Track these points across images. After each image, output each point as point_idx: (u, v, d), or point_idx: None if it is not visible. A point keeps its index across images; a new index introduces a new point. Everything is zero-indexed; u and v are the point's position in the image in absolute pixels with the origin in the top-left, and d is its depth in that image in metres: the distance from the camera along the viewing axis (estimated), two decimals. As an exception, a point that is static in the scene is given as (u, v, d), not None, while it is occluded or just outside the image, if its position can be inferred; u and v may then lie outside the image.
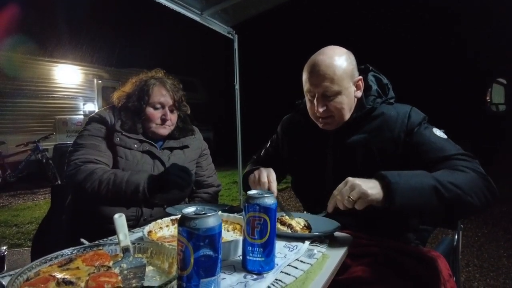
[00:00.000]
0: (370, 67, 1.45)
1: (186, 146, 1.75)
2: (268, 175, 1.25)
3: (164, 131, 1.65)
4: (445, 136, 1.25)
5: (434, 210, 1.06)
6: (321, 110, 1.27)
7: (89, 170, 1.44)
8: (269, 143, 1.70)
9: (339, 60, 1.26)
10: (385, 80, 1.41)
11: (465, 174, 1.08)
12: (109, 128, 1.58)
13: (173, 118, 1.67)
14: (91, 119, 1.63)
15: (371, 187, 0.99)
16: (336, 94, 1.26)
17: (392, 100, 1.37)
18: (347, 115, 1.32)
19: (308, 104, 1.38)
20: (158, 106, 1.62)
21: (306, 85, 1.32)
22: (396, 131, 1.26)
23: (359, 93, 1.35)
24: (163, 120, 1.62)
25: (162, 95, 1.62)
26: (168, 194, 1.50)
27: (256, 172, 1.29)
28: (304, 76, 1.33)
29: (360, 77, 1.34)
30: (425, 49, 14.13)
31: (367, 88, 1.38)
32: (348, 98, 1.29)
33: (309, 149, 1.45)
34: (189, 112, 1.80)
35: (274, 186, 1.23)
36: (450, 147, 1.20)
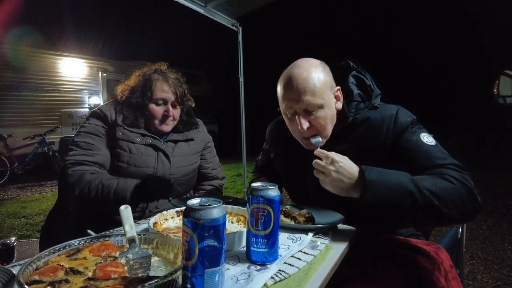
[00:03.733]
0: (352, 64, 1.34)
1: (191, 139, 1.76)
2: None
3: (167, 128, 1.65)
4: (433, 142, 1.16)
5: (407, 213, 1.04)
6: (305, 127, 1.17)
7: (78, 175, 1.44)
8: (261, 152, 1.68)
9: (316, 71, 1.17)
10: (368, 80, 1.31)
11: (448, 184, 1.03)
12: (110, 124, 1.58)
13: (175, 113, 1.66)
14: (91, 114, 1.63)
15: (352, 171, 1.01)
16: (319, 108, 1.17)
17: (376, 104, 1.27)
18: (330, 130, 1.24)
19: (287, 123, 1.27)
20: (160, 102, 1.61)
21: (283, 103, 1.21)
22: (382, 138, 1.19)
23: (340, 105, 1.26)
24: (165, 117, 1.62)
25: (164, 91, 1.61)
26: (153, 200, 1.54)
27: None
28: (280, 93, 1.22)
29: (339, 87, 1.25)
30: (432, 41, 13.93)
31: (348, 94, 1.28)
32: (330, 110, 1.21)
33: (292, 161, 1.39)
34: (193, 105, 1.79)
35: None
36: (437, 155, 1.12)
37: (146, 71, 1.68)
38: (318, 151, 1.05)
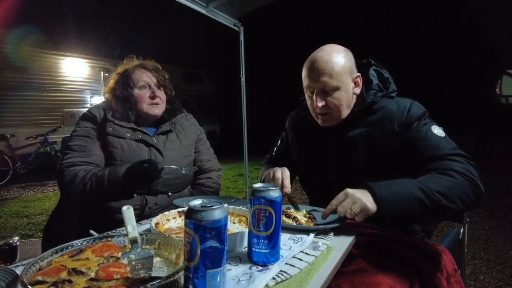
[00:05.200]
0: (372, 61, 1.45)
1: (180, 128, 1.77)
2: (282, 172, 1.29)
3: (156, 109, 1.67)
4: (443, 134, 1.25)
5: (419, 216, 1.16)
6: (320, 105, 1.29)
7: (72, 174, 1.47)
8: (279, 141, 1.72)
9: (337, 56, 1.28)
10: (386, 74, 1.42)
11: (452, 180, 1.11)
12: (100, 123, 1.60)
13: (161, 95, 1.70)
14: (81, 117, 1.66)
15: (369, 201, 1.04)
16: (335, 89, 1.28)
17: (393, 94, 1.38)
18: (345, 112, 1.34)
19: (308, 101, 1.40)
20: (144, 86, 1.66)
21: (305, 81, 1.34)
22: (396, 124, 1.28)
23: (358, 90, 1.36)
24: (152, 98, 1.66)
25: (144, 74, 1.68)
26: (146, 183, 1.52)
27: (270, 171, 1.33)
28: (304, 73, 1.35)
29: (359, 74, 1.35)
30: (432, 41, 13.90)
31: (368, 83, 1.39)
32: (347, 94, 1.31)
33: (313, 143, 1.47)
34: (173, 93, 1.82)
35: (288, 182, 1.26)
36: (445, 146, 1.21)
37: (122, 67, 1.73)
38: (326, 214, 1.11)
